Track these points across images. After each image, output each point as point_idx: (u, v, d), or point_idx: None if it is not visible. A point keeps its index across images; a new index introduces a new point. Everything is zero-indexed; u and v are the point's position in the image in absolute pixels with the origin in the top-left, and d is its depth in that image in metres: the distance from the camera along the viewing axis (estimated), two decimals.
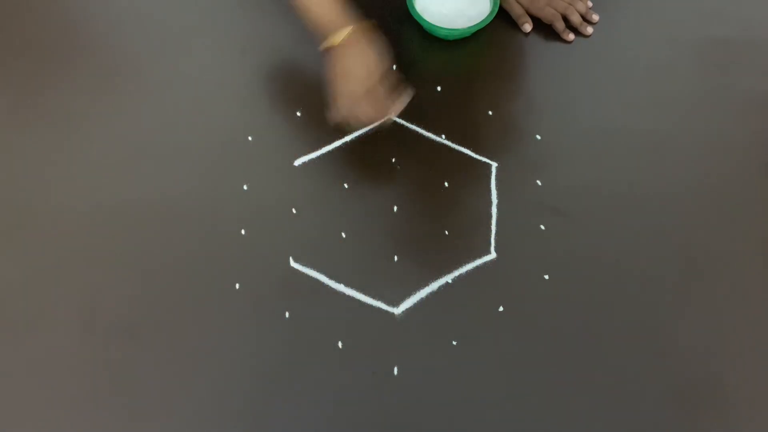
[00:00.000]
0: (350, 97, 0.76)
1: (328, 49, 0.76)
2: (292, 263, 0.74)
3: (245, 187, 0.78)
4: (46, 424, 0.67)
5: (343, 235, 0.76)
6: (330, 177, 0.79)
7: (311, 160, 0.80)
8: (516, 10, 0.89)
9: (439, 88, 0.85)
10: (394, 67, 0.86)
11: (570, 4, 0.89)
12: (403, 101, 0.80)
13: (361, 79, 0.75)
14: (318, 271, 0.73)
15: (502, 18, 0.89)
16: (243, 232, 0.75)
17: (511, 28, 0.90)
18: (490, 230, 0.76)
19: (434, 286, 0.72)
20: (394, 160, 0.80)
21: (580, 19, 0.89)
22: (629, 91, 0.85)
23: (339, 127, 0.80)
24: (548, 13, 0.88)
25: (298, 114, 0.83)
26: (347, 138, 0.81)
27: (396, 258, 0.74)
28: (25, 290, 0.73)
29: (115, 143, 0.82)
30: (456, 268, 0.73)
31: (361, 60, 0.75)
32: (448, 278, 0.73)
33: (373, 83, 0.76)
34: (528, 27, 0.89)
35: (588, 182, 0.78)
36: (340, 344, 0.69)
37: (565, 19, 0.88)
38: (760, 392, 0.67)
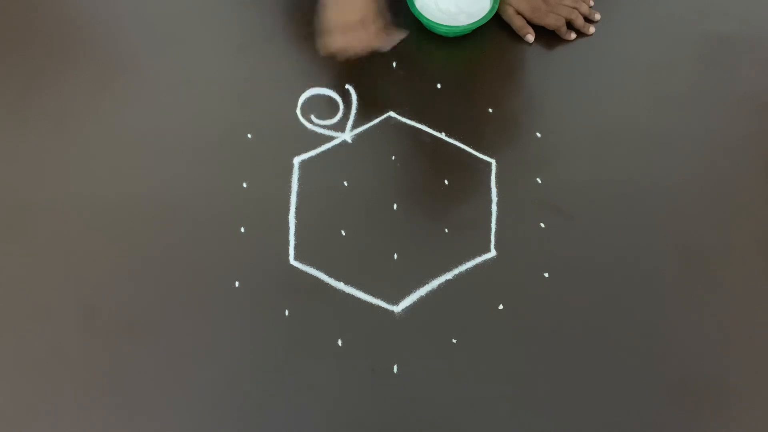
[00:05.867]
0: (344, 26, 0.77)
1: None
2: (292, 261, 0.74)
3: (245, 185, 0.78)
4: (46, 422, 0.67)
5: (343, 233, 0.75)
6: (330, 175, 0.79)
7: (311, 158, 0.80)
8: (517, 22, 0.87)
9: (439, 86, 0.85)
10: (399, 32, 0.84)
11: (574, 8, 0.87)
12: (397, 35, 0.81)
13: (355, 7, 0.76)
14: (318, 269, 0.73)
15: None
16: (242, 229, 0.75)
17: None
18: (490, 228, 0.75)
19: (434, 284, 0.72)
20: (393, 157, 0.80)
21: (584, 21, 0.87)
22: (629, 88, 0.85)
23: (331, 56, 0.80)
24: (552, 20, 0.86)
25: (298, 111, 0.83)
26: (347, 136, 0.81)
27: (396, 256, 0.74)
28: (24, 287, 0.73)
29: (114, 141, 0.82)
30: (456, 265, 0.73)
31: None
32: (448, 276, 0.73)
33: (366, 14, 0.77)
34: (531, 38, 0.87)
35: (588, 180, 0.78)
36: (339, 342, 0.70)
37: (568, 21, 0.87)
38: (760, 392, 0.67)
